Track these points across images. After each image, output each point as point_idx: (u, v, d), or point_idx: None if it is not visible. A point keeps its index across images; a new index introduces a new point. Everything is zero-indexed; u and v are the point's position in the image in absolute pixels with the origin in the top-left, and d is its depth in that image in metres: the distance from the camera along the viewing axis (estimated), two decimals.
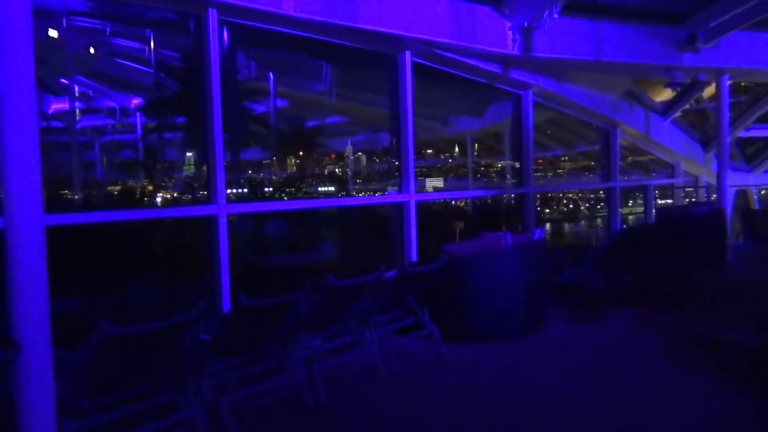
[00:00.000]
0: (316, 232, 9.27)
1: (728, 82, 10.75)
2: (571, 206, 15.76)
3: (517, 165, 10.49)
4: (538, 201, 10.45)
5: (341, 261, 9.38)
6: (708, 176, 13.86)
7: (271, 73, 8.30)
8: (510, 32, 8.16)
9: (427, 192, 10.58)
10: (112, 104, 7.27)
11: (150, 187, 7.80)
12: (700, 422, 4.38)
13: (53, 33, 6.27)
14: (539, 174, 12.43)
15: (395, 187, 8.23)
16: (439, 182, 11.43)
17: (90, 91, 7.16)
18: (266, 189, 8.98)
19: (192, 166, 7.90)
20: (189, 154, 7.90)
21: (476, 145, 12.25)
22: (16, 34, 3.42)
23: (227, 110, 6.21)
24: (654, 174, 14.35)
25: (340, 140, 10.10)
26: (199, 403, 4.13)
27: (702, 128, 13.81)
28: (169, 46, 7.15)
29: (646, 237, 9.02)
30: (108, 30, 6.93)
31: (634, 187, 14.12)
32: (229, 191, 6.18)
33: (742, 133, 13.50)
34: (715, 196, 11.64)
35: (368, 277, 5.24)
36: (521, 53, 8.29)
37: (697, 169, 14.02)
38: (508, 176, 11.43)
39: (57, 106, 6.78)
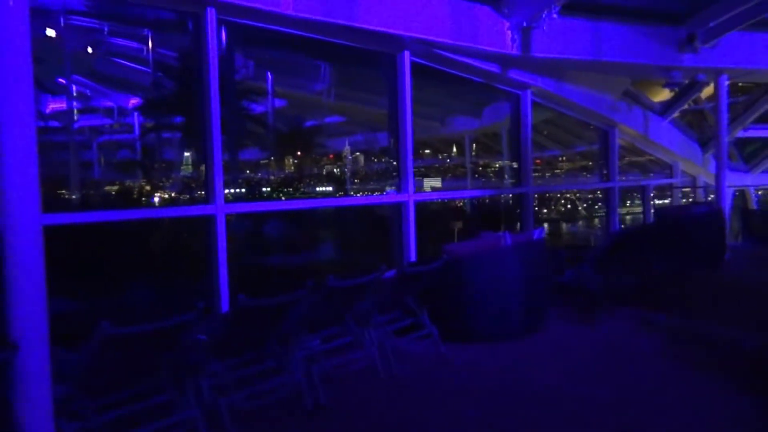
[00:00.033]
0: (314, 232, 9.26)
1: (727, 83, 10.75)
2: (568, 206, 15.76)
3: (516, 165, 10.48)
4: (536, 201, 10.44)
5: (340, 261, 9.37)
6: (706, 176, 13.86)
7: (269, 73, 8.29)
8: (509, 32, 8.15)
9: (426, 192, 10.57)
10: (110, 104, 7.25)
11: (147, 187, 7.78)
12: (700, 422, 4.37)
13: (51, 32, 6.25)
14: (537, 174, 12.43)
15: (393, 187, 8.21)
16: (436, 182, 11.42)
17: (88, 91, 7.15)
18: (264, 189, 8.97)
19: (189, 166, 7.89)
20: (186, 154, 7.88)
21: (474, 145, 12.25)
22: (13, 33, 3.40)
23: (225, 110, 6.19)
24: (651, 174, 14.36)
25: (339, 140, 10.10)
26: (198, 403, 4.12)
27: (700, 128, 13.82)
28: (167, 45, 7.13)
29: (646, 237, 9.01)
30: (106, 29, 6.92)
31: (632, 187, 14.13)
32: (226, 191, 6.16)
33: (740, 134, 13.51)
34: (713, 196, 11.64)
35: (368, 278, 5.22)
36: (520, 53, 8.28)
37: (695, 170, 14.03)
38: (506, 176, 11.43)
39: (55, 105, 6.77)
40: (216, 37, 6.03)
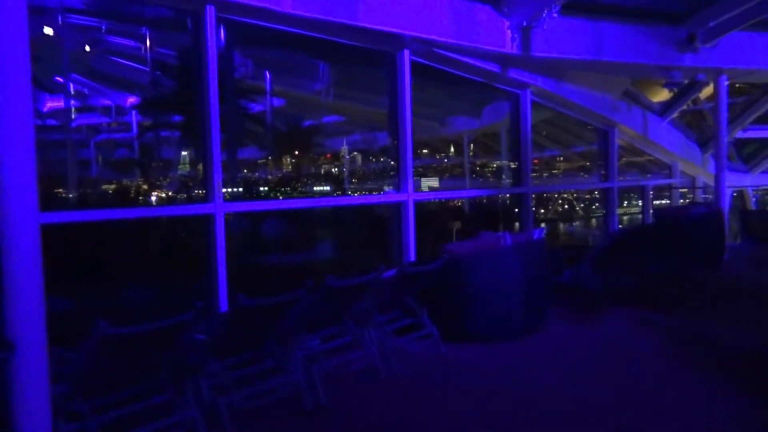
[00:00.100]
0: (313, 231, 9.24)
1: (727, 83, 10.75)
2: (566, 206, 15.76)
3: (514, 165, 10.47)
4: (533, 201, 10.44)
5: (339, 261, 9.35)
6: (705, 177, 13.87)
7: (267, 72, 8.27)
8: (509, 31, 8.14)
9: (426, 191, 10.56)
10: (108, 102, 7.23)
11: (145, 186, 7.76)
12: (699, 422, 4.36)
13: (49, 31, 6.23)
14: (535, 174, 12.42)
15: (391, 187, 8.19)
16: (434, 182, 11.41)
17: (86, 89, 7.13)
18: (261, 188, 8.95)
19: (187, 165, 7.87)
20: (184, 153, 7.86)
21: (471, 145, 12.24)
22: (12, 31, 3.39)
23: (224, 109, 6.17)
24: (649, 175, 14.37)
25: (337, 139, 10.07)
26: (197, 403, 4.11)
27: (699, 129, 13.83)
28: (165, 44, 7.10)
29: (645, 237, 9.02)
30: (104, 28, 6.90)
31: (631, 187, 14.13)
32: (223, 191, 6.13)
33: (739, 134, 13.52)
34: (712, 196, 11.65)
35: (368, 277, 5.20)
36: (520, 52, 8.27)
37: (694, 170, 14.04)
38: (505, 176, 11.42)
39: (52, 104, 6.74)
40: (215, 36, 6.01)
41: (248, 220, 7.88)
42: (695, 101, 13.16)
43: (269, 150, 9.15)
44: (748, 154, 14.96)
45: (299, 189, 9.54)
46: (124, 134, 7.55)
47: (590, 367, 5.62)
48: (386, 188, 8.78)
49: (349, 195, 9.87)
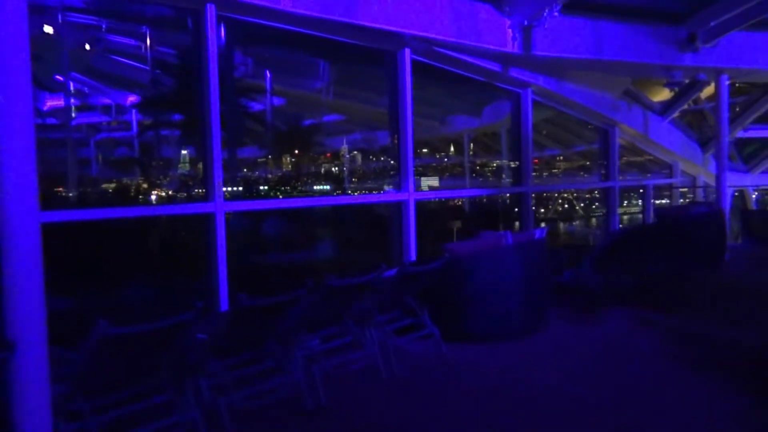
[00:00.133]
0: (313, 230, 9.23)
1: (727, 82, 10.74)
2: (566, 206, 15.74)
3: (515, 164, 10.47)
4: (533, 201, 10.44)
5: (339, 260, 9.34)
6: (706, 176, 13.87)
7: (268, 71, 8.25)
8: (510, 30, 8.13)
9: (426, 191, 10.55)
10: (108, 101, 7.22)
11: (145, 185, 7.75)
12: (699, 422, 4.36)
13: (49, 29, 6.22)
14: (535, 174, 12.41)
15: (391, 186, 8.18)
16: (434, 181, 11.40)
17: (85, 88, 7.12)
18: (262, 187, 8.94)
19: (187, 164, 7.86)
20: (184, 152, 7.85)
21: (472, 144, 12.23)
22: (12, 30, 3.38)
23: (224, 108, 6.16)
24: (649, 175, 14.36)
25: (337, 139, 10.06)
26: (198, 403, 4.10)
27: (700, 128, 13.82)
28: (166, 42, 7.09)
29: (646, 237, 9.01)
30: (104, 26, 6.89)
31: (632, 187, 14.12)
32: (224, 189, 6.13)
33: (740, 134, 13.51)
34: (712, 196, 11.64)
35: (368, 277, 5.20)
36: (521, 51, 8.26)
37: (695, 170, 14.03)
38: (505, 176, 11.41)
39: (52, 102, 6.73)
40: (215, 34, 6.00)
41: (248, 219, 7.87)
42: (696, 101, 13.15)
43: (269, 149, 9.14)
44: (748, 154, 14.95)
45: (299, 188, 9.53)
46: (124, 133, 7.53)
47: (590, 367, 5.62)
48: (386, 187, 8.77)
49: (350, 194, 9.86)
